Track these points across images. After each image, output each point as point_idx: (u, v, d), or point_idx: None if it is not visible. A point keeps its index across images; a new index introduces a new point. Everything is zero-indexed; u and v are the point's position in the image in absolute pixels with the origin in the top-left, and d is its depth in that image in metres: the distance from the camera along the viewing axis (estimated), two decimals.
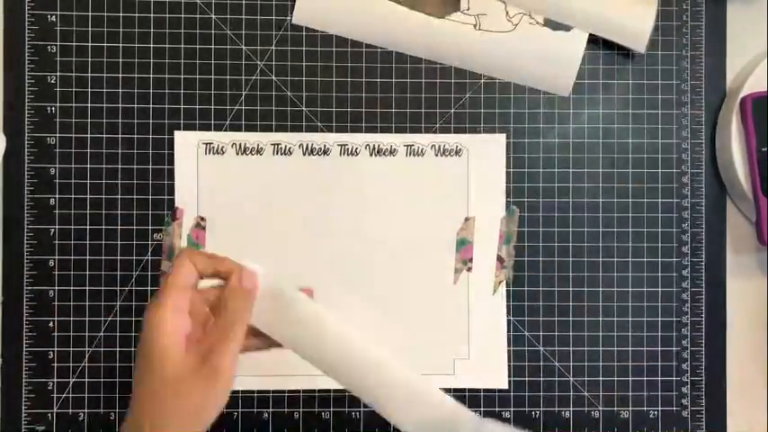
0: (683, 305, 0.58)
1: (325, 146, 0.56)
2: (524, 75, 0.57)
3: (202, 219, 0.56)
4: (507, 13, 0.56)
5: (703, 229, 0.58)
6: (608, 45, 0.57)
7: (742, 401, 0.58)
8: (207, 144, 0.56)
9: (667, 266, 0.58)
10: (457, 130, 0.57)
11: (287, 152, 0.56)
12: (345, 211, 0.57)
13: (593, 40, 0.57)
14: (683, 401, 0.58)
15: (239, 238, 0.56)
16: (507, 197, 0.57)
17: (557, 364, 0.57)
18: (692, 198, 0.58)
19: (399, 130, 0.57)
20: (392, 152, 0.57)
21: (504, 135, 0.57)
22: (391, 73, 0.57)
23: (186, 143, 0.56)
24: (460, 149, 0.56)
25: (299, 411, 0.57)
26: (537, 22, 0.56)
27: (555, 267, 0.57)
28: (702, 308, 0.58)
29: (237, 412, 0.56)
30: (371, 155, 0.57)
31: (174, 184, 0.56)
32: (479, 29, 0.56)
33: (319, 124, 0.57)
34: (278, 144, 0.56)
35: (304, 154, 0.56)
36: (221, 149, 0.56)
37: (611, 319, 0.57)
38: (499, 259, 0.57)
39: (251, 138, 0.56)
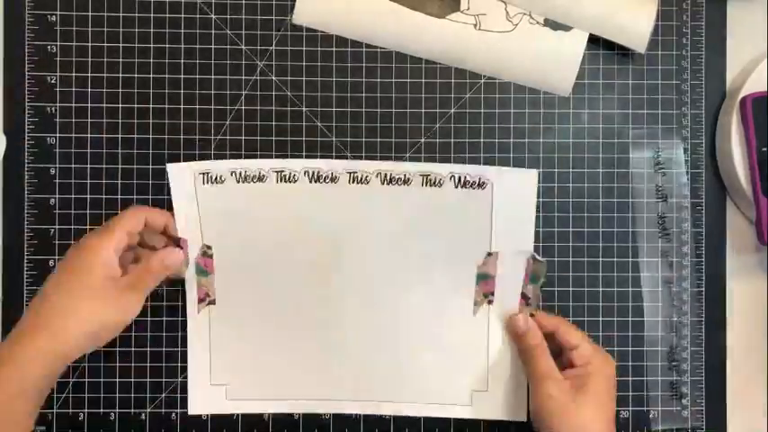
0: (683, 305, 0.58)
1: (332, 174, 0.54)
2: (524, 75, 0.57)
3: (208, 247, 0.54)
4: (507, 13, 0.56)
5: (703, 229, 0.58)
6: (608, 45, 0.57)
7: (742, 401, 0.58)
8: (204, 174, 0.53)
9: (667, 266, 0.58)
10: (457, 131, 0.57)
11: (291, 179, 0.54)
12: (357, 240, 0.55)
13: (594, 40, 0.57)
14: (683, 401, 0.58)
15: (246, 267, 0.55)
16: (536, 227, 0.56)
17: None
18: (691, 198, 0.58)
19: (400, 131, 0.57)
20: (406, 182, 0.54)
21: (537, 171, 0.54)
22: (391, 73, 0.57)
23: (182, 175, 0.53)
24: (484, 183, 0.53)
25: (298, 413, 0.57)
26: (537, 22, 0.56)
27: (555, 267, 0.57)
28: (702, 308, 0.58)
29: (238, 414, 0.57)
30: (383, 183, 0.54)
31: (166, 186, 0.56)
32: (479, 29, 0.56)
33: (319, 124, 0.57)
34: (281, 171, 0.54)
35: (310, 181, 0.54)
36: (220, 179, 0.53)
37: (611, 319, 0.57)
38: (524, 296, 0.55)
39: (251, 165, 0.53)
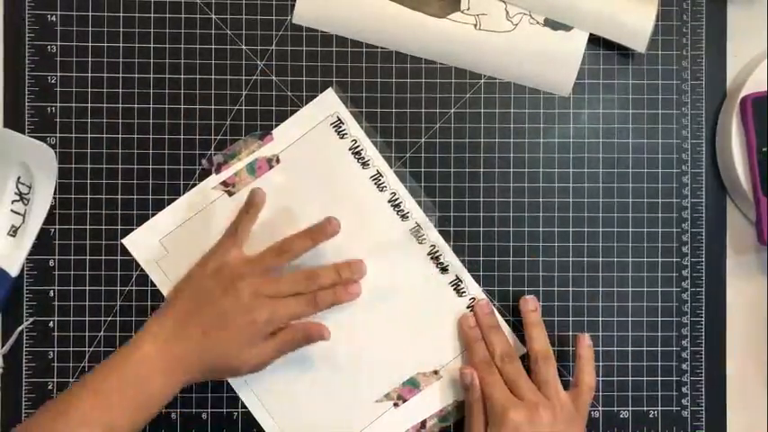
0: (683, 305, 0.58)
1: None
2: (524, 75, 0.57)
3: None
4: (507, 12, 0.56)
5: (703, 229, 0.58)
6: (608, 45, 0.57)
7: (742, 401, 0.58)
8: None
9: (667, 266, 0.58)
10: (457, 131, 0.57)
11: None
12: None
13: (594, 40, 0.57)
14: (683, 401, 0.58)
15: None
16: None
17: (557, 364, 0.57)
18: (692, 198, 0.58)
19: (400, 131, 0.57)
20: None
21: None
22: (391, 73, 0.57)
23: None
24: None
25: (176, 412, 0.57)
26: (537, 22, 0.56)
27: (555, 267, 0.57)
28: (702, 308, 0.58)
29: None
30: None
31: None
32: (479, 29, 0.56)
33: None
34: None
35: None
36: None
37: (611, 318, 0.57)
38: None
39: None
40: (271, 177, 0.56)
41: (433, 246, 0.57)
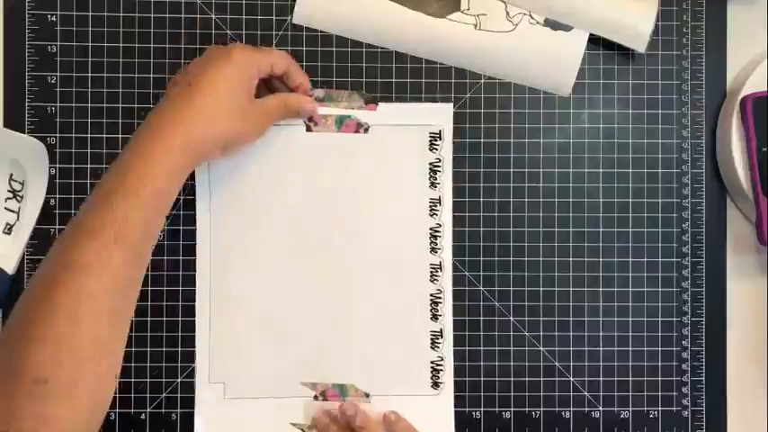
0: (683, 305, 0.58)
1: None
2: (524, 75, 0.57)
3: None
4: (507, 13, 0.56)
5: (703, 229, 0.58)
6: (608, 45, 0.57)
7: (742, 401, 0.58)
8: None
9: (667, 266, 0.58)
10: (457, 131, 0.57)
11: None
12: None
13: (594, 40, 0.57)
14: (684, 401, 0.58)
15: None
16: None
17: (557, 364, 0.57)
18: (692, 198, 0.58)
19: None
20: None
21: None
22: (391, 73, 0.57)
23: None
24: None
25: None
26: (537, 22, 0.56)
27: (555, 267, 0.57)
28: (702, 308, 0.58)
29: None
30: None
31: None
32: (479, 29, 0.56)
33: None
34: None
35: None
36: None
37: (611, 319, 0.57)
38: None
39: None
40: (350, 139, 0.56)
41: (440, 291, 0.57)
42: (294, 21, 0.57)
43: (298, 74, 0.54)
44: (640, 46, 0.56)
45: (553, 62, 0.57)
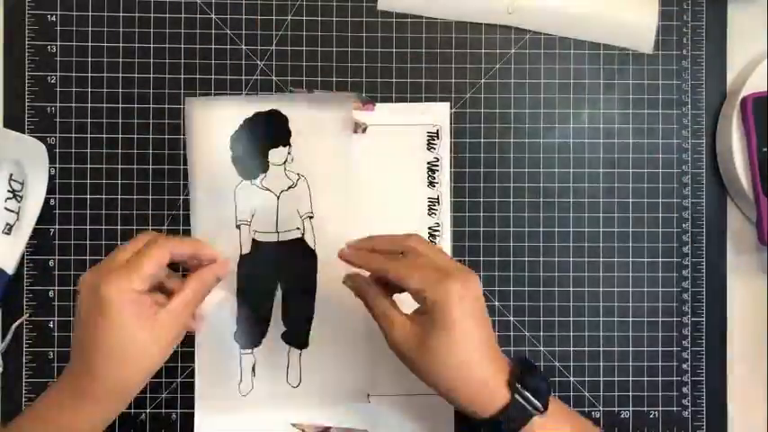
0: (683, 305, 0.58)
1: None
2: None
3: None
4: None
5: (703, 229, 0.58)
6: (608, 45, 0.57)
7: (742, 401, 0.58)
8: None
9: (667, 266, 0.58)
10: (457, 131, 0.57)
11: None
12: None
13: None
14: (684, 402, 0.58)
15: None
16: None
17: (557, 364, 0.57)
18: (692, 198, 0.58)
19: None
20: None
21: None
22: (391, 73, 0.57)
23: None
24: None
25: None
26: None
27: (555, 267, 0.57)
28: (702, 308, 0.58)
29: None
30: None
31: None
32: None
33: None
34: None
35: None
36: None
37: (611, 319, 0.57)
38: None
39: None
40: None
41: None
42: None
43: (184, 248, 0.48)
44: (646, 47, 0.56)
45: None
